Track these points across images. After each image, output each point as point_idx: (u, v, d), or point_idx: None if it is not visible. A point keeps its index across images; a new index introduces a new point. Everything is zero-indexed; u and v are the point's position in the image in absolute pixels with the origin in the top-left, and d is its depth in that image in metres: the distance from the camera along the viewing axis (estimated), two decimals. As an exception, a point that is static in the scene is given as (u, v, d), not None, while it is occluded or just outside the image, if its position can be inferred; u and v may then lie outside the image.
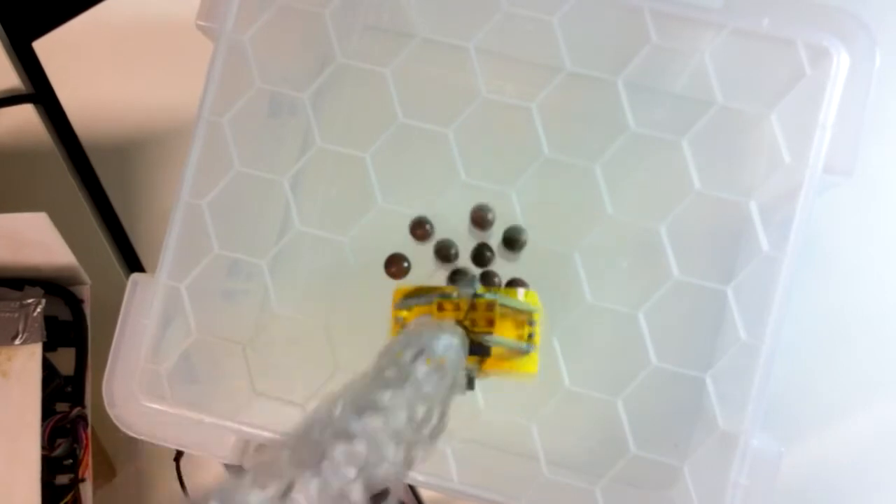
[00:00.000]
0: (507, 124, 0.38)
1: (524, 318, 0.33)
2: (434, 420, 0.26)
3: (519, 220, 0.38)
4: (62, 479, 0.43)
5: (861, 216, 0.44)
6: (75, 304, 0.45)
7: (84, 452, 0.43)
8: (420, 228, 0.40)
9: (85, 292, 0.46)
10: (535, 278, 0.40)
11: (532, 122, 0.37)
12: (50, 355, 0.44)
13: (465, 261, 0.41)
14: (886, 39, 0.36)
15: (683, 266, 0.36)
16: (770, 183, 0.36)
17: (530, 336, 0.33)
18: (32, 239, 0.42)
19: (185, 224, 0.38)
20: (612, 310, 0.36)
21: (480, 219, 0.40)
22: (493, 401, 0.38)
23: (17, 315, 0.42)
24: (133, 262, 0.51)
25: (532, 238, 0.40)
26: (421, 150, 0.39)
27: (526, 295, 0.33)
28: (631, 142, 0.36)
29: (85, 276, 0.45)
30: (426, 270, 0.41)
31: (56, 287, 0.45)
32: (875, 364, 0.44)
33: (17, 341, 0.42)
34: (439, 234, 0.41)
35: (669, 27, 0.36)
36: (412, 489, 0.47)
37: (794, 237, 0.35)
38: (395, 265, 0.40)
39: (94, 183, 0.51)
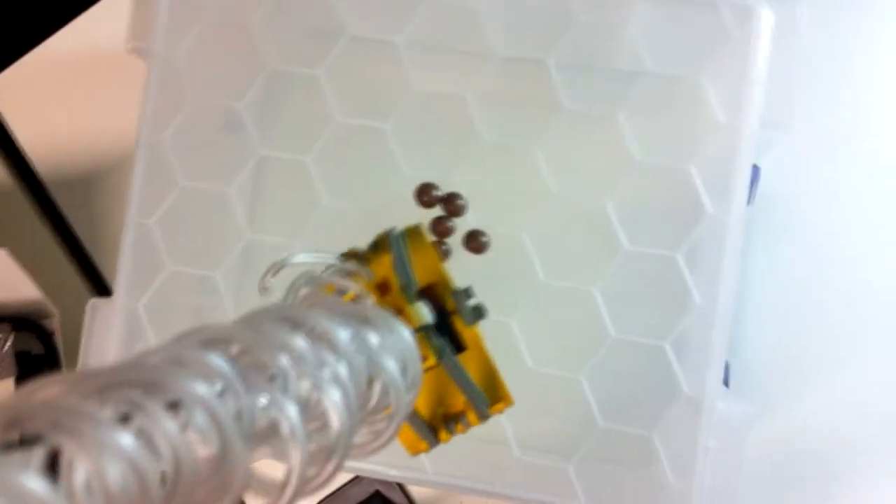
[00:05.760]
0: (445, 114, 0.38)
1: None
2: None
3: (466, 206, 0.38)
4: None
5: (825, 179, 0.44)
6: (45, 337, 0.45)
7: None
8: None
9: (54, 324, 0.46)
10: (488, 263, 0.40)
11: (470, 110, 0.37)
12: (24, 389, 0.44)
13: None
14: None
15: (639, 238, 0.36)
16: (709, 145, 0.36)
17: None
18: (-6, 275, 0.43)
19: (138, 245, 0.39)
20: (569, 287, 0.37)
21: (427, 197, 0.40)
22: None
23: (-14, 352, 0.43)
24: (103, 290, 0.51)
25: (481, 223, 0.40)
26: (365, 146, 0.39)
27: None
28: (570, 119, 0.36)
29: (52, 308, 0.45)
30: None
31: (25, 322, 0.45)
32: (847, 329, 0.44)
33: (-12, 377, 0.42)
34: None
35: (595, 2, 0.36)
36: (401, 488, 0.47)
37: (737, 195, 0.35)
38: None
39: (55, 214, 0.51)
